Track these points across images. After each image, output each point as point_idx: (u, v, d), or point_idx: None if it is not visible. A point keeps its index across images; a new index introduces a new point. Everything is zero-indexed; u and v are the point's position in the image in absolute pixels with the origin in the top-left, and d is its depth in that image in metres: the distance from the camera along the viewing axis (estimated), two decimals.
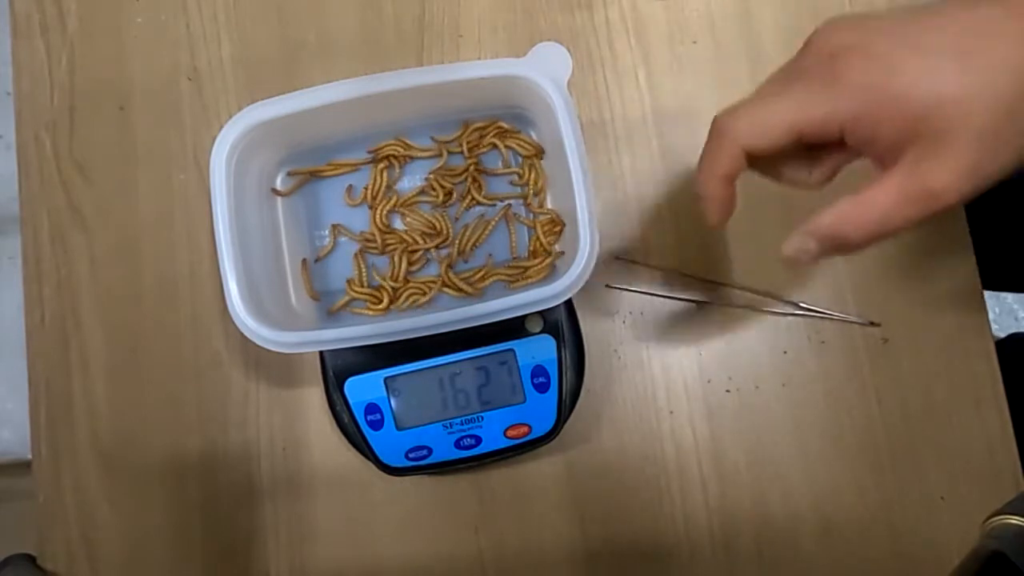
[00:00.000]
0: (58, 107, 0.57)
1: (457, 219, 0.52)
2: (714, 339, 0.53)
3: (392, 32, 0.57)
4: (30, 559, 0.53)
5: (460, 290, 0.50)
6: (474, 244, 0.52)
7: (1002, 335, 0.75)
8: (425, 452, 0.50)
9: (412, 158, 0.53)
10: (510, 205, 0.52)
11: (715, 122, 0.36)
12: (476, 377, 0.50)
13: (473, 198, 0.52)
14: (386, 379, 0.50)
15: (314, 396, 0.53)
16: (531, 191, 0.52)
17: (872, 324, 0.53)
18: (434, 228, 0.52)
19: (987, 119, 0.29)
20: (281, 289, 0.51)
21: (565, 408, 0.50)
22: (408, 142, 0.52)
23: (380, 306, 0.50)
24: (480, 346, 0.50)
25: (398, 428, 0.50)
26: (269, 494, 0.53)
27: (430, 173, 0.52)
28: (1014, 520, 0.33)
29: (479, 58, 0.56)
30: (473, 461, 0.50)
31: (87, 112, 0.57)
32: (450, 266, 0.51)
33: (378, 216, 0.52)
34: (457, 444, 0.50)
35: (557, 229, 0.51)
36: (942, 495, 0.52)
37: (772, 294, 0.53)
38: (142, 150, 0.56)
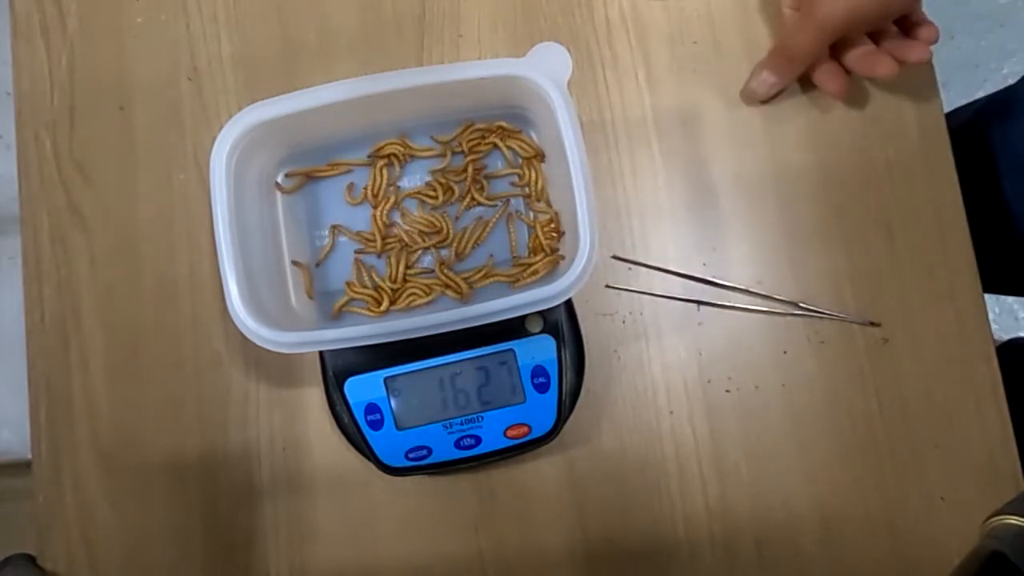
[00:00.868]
0: (58, 107, 0.57)
1: (457, 218, 0.52)
2: (714, 339, 0.53)
3: (392, 32, 0.57)
4: (30, 559, 0.53)
5: (458, 287, 0.50)
6: (474, 243, 0.52)
7: (1002, 335, 0.75)
8: (425, 452, 0.50)
9: (413, 157, 0.53)
10: (509, 202, 0.52)
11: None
12: (476, 377, 0.50)
13: (474, 198, 0.52)
14: (386, 379, 0.50)
15: (314, 396, 0.53)
16: (531, 191, 0.52)
17: (872, 324, 0.53)
18: (434, 227, 0.52)
19: None
20: (281, 289, 0.51)
21: (565, 408, 0.50)
22: (409, 142, 0.52)
23: (380, 308, 0.50)
24: (480, 346, 0.50)
25: (398, 428, 0.50)
26: (269, 494, 0.53)
27: (431, 172, 0.52)
28: (1014, 520, 0.33)
29: (479, 58, 0.56)
30: (473, 461, 0.50)
31: (87, 112, 0.57)
32: (449, 265, 0.51)
33: (380, 214, 0.52)
34: (457, 444, 0.50)
35: (556, 233, 0.51)
36: (942, 495, 0.52)
37: (772, 294, 0.53)
38: (142, 150, 0.56)
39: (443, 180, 0.52)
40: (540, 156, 0.52)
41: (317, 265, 0.52)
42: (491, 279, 0.51)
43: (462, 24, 0.57)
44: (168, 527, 0.53)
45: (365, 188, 0.52)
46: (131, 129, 0.57)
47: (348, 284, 0.52)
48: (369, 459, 0.50)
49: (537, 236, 0.51)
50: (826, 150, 0.55)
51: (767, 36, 0.56)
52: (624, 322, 0.54)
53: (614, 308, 0.54)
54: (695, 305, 0.54)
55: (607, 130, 0.55)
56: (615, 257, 0.54)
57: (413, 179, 0.53)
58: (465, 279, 0.51)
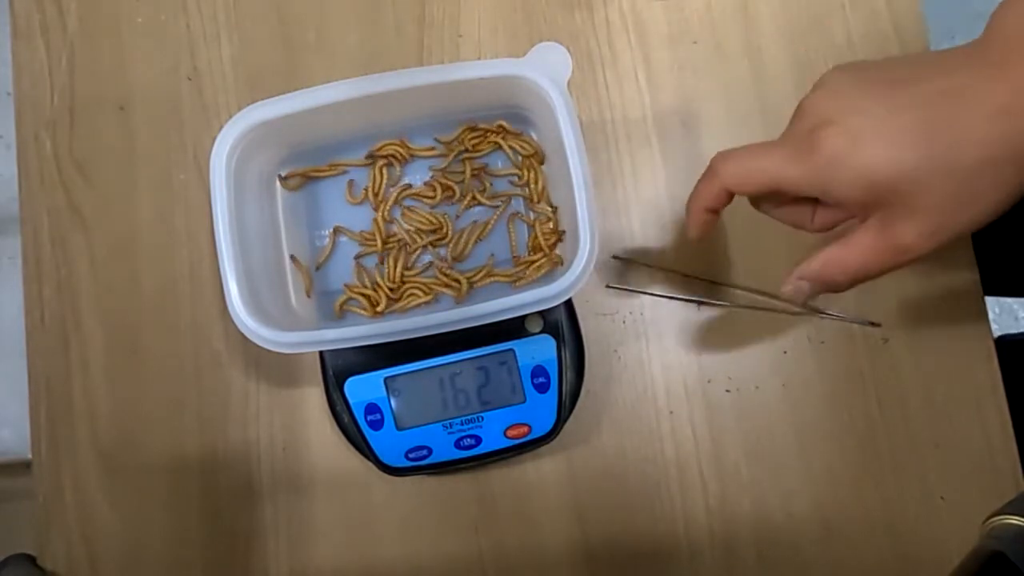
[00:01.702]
0: (58, 107, 0.57)
1: (458, 217, 0.52)
2: (714, 339, 0.53)
3: (392, 32, 0.57)
4: (30, 559, 0.53)
5: (458, 284, 0.50)
6: (475, 241, 0.52)
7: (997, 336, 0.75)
8: (425, 452, 0.50)
9: (413, 157, 0.52)
10: (511, 200, 0.52)
11: (712, 160, 0.40)
12: (476, 377, 0.50)
13: (474, 197, 0.52)
14: (386, 379, 0.50)
15: (314, 396, 0.53)
16: (531, 192, 0.52)
17: (872, 324, 0.53)
18: (433, 225, 0.52)
19: (945, 189, 0.33)
20: (281, 289, 0.51)
21: (565, 408, 0.50)
22: (408, 143, 0.52)
23: (378, 308, 0.50)
24: (480, 346, 0.50)
25: (398, 428, 0.50)
26: (269, 494, 0.53)
27: (431, 170, 0.52)
28: (1014, 520, 0.33)
29: (479, 58, 0.56)
30: (473, 461, 0.50)
31: (87, 112, 0.57)
32: (449, 265, 0.51)
33: (381, 215, 0.52)
34: (457, 444, 0.50)
35: (555, 235, 0.51)
36: (942, 495, 0.52)
37: (772, 294, 0.53)
38: (142, 150, 0.56)
39: (443, 180, 0.52)
40: (540, 156, 0.52)
41: (317, 268, 0.52)
42: (491, 279, 0.51)
43: (462, 24, 0.57)
44: (168, 527, 0.53)
45: (365, 189, 0.52)
46: (131, 129, 0.57)
47: (347, 286, 0.52)
48: (369, 459, 0.50)
49: (537, 236, 0.51)
50: None
51: (767, 36, 0.55)
52: (624, 322, 0.54)
53: (614, 308, 0.54)
54: (695, 305, 0.54)
55: (607, 130, 0.55)
56: (615, 257, 0.54)
57: (413, 179, 0.53)
58: (466, 279, 0.51)
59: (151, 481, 0.54)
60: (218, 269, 0.45)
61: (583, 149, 0.45)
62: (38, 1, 0.58)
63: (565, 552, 0.52)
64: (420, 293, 0.51)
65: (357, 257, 0.52)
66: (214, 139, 0.46)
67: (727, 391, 0.53)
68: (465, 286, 0.50)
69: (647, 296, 0.54)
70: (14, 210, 0.56)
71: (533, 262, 0.51)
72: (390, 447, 0.50)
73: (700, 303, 0.54)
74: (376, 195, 0.52)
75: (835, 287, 0.39)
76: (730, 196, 0.40)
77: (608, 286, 0.54)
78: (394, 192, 0.52)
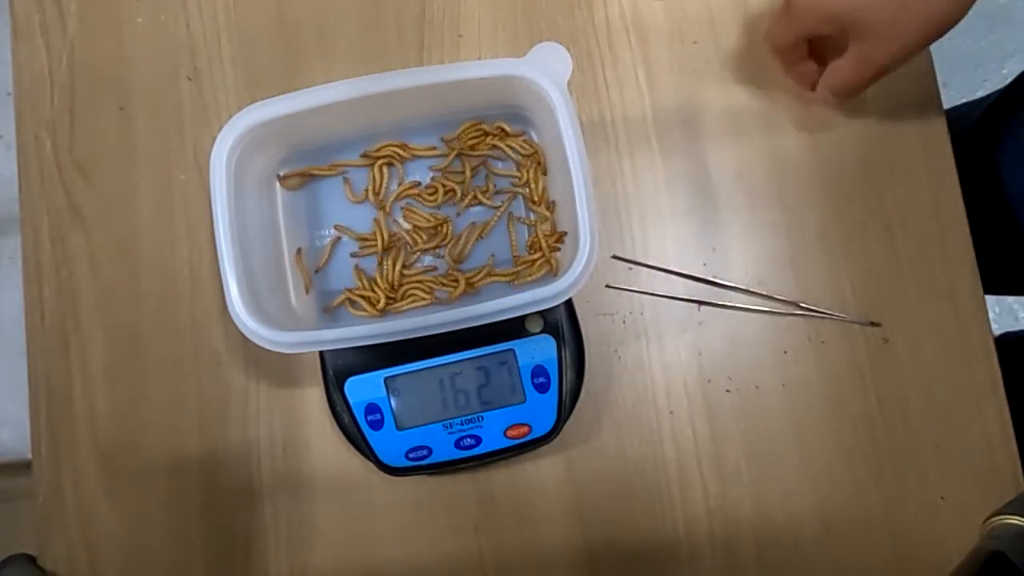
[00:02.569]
0: (58, 107, 0.57)
1: (459, 215, 0.52)
2: (714, 339, 0.53)
3: (392, 32, 0.57)
4: (30, 559, 0.53)
5: (455, 283, 0.50)
6: (475, 240, 0.52)
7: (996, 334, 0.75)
8: (425, 452, 0.50)
9: (415, 157, 0.52)
10: (515, 196, 0.52)
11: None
12: (476, 377, 0.50)
13: (475, 197, 0.52)
14: (386, 379, 0.50)
15: (314, 396, 0.53)
16: (531, 192, 0.52)
17: (872, 324, 0.53)
18: (433, 223, 0.52)
19: (886, 14, 0.45)
20: (281, 289, 0.51)
21: (565, 408, 0.50)
22: (406, 144, 0.52)
23: (378, 306, 0.50)
24: (480, 346, 0.50)
25: (398, 428, 0.50)
26: (269, 494, 0.53)
27: (431, 169, 0.52)
28: (1014, 520, 0.33)
29: (479, 58, 0.56)
30: (473, 461, 0.50)
31: (87, 112, 0.57)
32: (452, 265, 0.51)
33: (382, 216, 0.52)
34: (457, 444, 0.50)
35: (555, 236, 0.51)
36: (942, 495, 0.52)
37: (772, 294, 0.53)
38: (142, 150, 0.56)
39: (445, 180, 0.52)
40: (540, 156, 0.52)
41: (317, 270, 0.52)
42: (491, 279, 0.51)
43: (462, 24, 0.57)
44: (168, 527, 0.53)
45: (366, 190, 0.52)
46: (131, 129, 0.57)
47: (346, 290, 0.52)
48: (369, 459, 0.50)
49: (537, 236, 0.51)
50: (826, 150, 0.55)
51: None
52: (624, 322, 0.54)
53: (614, 308, 0.54)
54: (695, 305, 0.54)
55: (607, 130, 0.55)
56: (615, 257, 0.54)
57: (414, 179, 0.53)
58: (464, 279, 0.51)
59: (151, 481, 0.54)
60: (218, 269, 0.45)
61: (583, 149, 0.45)
62: (38, 1, 0.58)
63: (565, 552, 0.52)
64: (421, 294, 0.51)
65: (354, 255, 0.52)
66: (214, 139, 0.46)
67: (727, 391, 0.53)
68: (461, 286, 0.50)
69: (647, 296, 0.54)
70: (14, 210, 0.56)
71: (533, 262, 0.51)
72: (390, 447, 0.50)
73: (700, 303, 0.54)
74: (377, 194, 0.52)
75: (839, 91, 0.50)
76: (798, 36, 0.50)
77: (608, 286, 0.54)
78: (397, 190, 0.52)
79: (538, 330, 0.50)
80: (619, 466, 0.53)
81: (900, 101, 0.55)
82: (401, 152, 0.52)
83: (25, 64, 0.57)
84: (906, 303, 0.53)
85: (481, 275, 0.51)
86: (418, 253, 0.52)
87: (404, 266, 0.51)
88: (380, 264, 0.52)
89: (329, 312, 0.52)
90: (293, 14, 0.57)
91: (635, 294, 0.54)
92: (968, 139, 0.63)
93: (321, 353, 0.51)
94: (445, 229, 0.52)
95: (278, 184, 0.52)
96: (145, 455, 0.54)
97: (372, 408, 0.50)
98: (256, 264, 0.48)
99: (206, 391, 0.54)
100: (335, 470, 0.53)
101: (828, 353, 0.53)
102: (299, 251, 0.52)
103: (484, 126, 0.52)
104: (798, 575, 0.52)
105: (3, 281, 1.35)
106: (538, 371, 0.50)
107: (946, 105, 0.56)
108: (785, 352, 0.53)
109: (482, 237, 0.52)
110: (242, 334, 0.45)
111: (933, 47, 0.51)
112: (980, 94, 0.73)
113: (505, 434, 0.50)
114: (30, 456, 0.54)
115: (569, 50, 0.49)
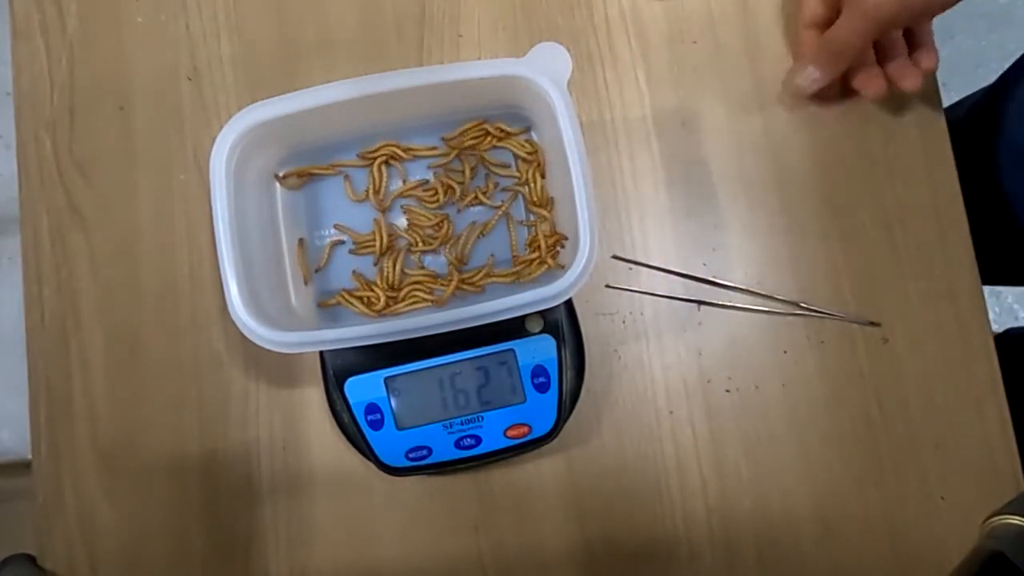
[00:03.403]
0: (58, 107, 0.57)
1: (460, 212, 0.52)
2: (714, 339, 0.53)
3: (392, 32, 0.57)
4: (30, 559, 0.53)
5: (450, 283, 0.50)
6: (476, 238, 0.52)
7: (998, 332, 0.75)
8: (425, 452, 0.50)
9: (416, 157, 0.52)
10: (515, 196, 0.52)
11: None
12: (476, 377, 0.50)
13: (476, 197, 0.52)
14: (386, 379, 0.50)
15: (314, 396, 0.53)
16: (530, 192, 0.52)
17: (872, 324, 0.53)
18: (434, 221, 0.52)
19: None
20: (281, 289, 0.51)
21: (565, 408, 0.50)
22: (401, 145, 0.52)
23: (376, 307, 0.50)
24: (480, 346, 0.50)
25: (398, 428, 0.50)
26: (269, 494, 0.53)
27: (431, 167, 0.52)
28: (1014, 520, 0.33)
29: (479, 58, 0.56)
30: (473, 461, 0.50)
31: (87, 112, 0.57)
32: (456, 266, 0.51)
33: (383, 217, 0.52)
34: (457, 444, 0.50)
35: (555, 237, 0.51)
36: (942, 495, 0.52)
37: (772, 294, 0.53)
38: (142, 150, 0.56)
39: (446, 179, 0.52)
40: (540, 156, 0.52)
41: (317, 270, 0.52)
42: (491, 279, 0.51)
43: (462, 24, 0.57)
44: (168, 527, 0.53)
45: (366, 190, 0.52)
46: (131, 129, 0.57)
47: (345, 291, 0.52)
48: (369, 459, 0.50)
49: (537, 237, 0.51)
50: (826, 150, 0.55)
51: (767, 36, 0.56)
52: (624, 322, 0.54)
53: (614, 308, 0.54)
54: (695, 305, 0.54)
55: (607, 130, 0.55)
56: (615, 257, 0.54)
57: (419, 178, 0.53)
58: (465, 279, 0.51)
59: (151, 481, 0.54)
60: (218, 269, 0.45)
61: (583, 149, 0.45)
62: (38, 1, 0.58)
63: (565, 552, 0.52)
64: (421, 295, 0.51)
65: (352, 252, 0.52)
66: (214, 139, 0.46)
67: (727, 391, 0.53)
68: (453, 284, 0.50)
69: (647, 296, 0.54)
70: (14, 210, 0.56)
71: (532, 261, 0.51)
72: (390, 447, 0.50)
73: (700, 303, 0.54)
74: (377, 193, 0.52)
75: (832, 66, 0.51)
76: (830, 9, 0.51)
77: (608, 286, 0.54)
78: (400, 188, 0.52)
79: (538, 330, 0.50)
80: (619, 466, 0.53)
81: (900, 101, 0.55)
82: (399, 151, 0.52)
83: (25, 64, 0.57)
84: (906, 303, 0.53)
85: (480, 275, 0.51)
86: (419, 254, 0.52)
87: (403, 269, 0.51)
88: (379, 264, 0.52)
89: (324, 308, 0.52)
90: (293, 14, 0.57)
91: (635, 294, 0.54)
92: (965, 129, 0.64)
93: (321, 353, 0.51)
94: (446, 227, 0.52)
95: (278, 184, 0.52)
96: (145, 455, 0.54)
97: (372, 408, 0.50)
98: (256, 264, 0.48)
99: (206, 391, 0.54)
100: (335, 470, 0.53)
101: (828, 353, 0.53)
102: (301, 241, 0.52)
103: (487, 126, 0.52)
104: (798, 575, 0.52)
105: (3, 281, 1.35)
106: (538, 371, 0.50)
107: (946, 105, 0.56)
108: (785, 352, 0.53)
109: (483, 235, 0.52)
110: (242, 334, 0.45)
111: None
112: None
113: (505, 434, 0.50)
114: (30, 456, 0.54)
115: (569, 50, 0.49)
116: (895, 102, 0.55)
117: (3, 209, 1.36)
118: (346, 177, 0.53)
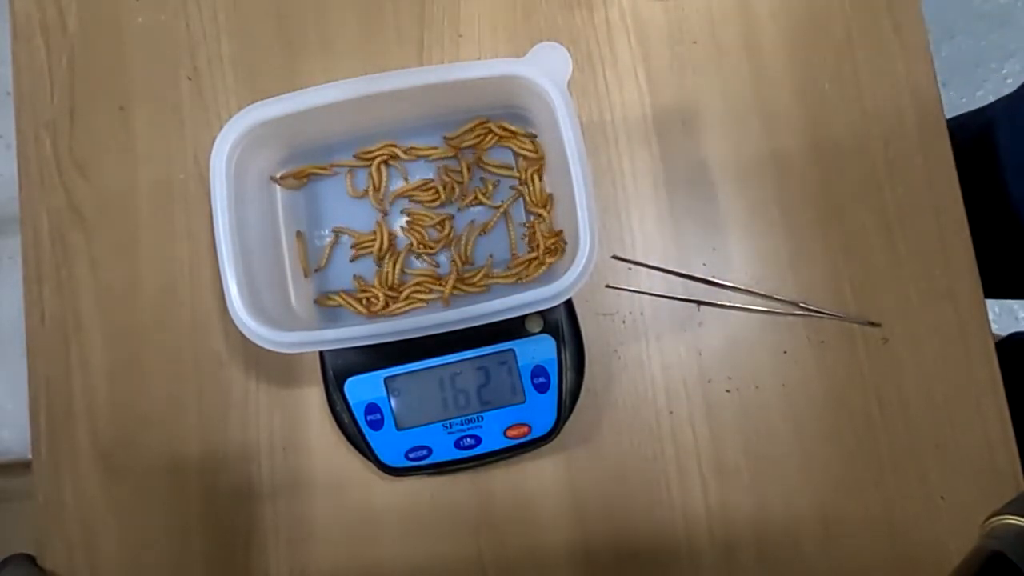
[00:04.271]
0: (58, 107, 0.57)
1: (460, 211, 0.52)
2: (714, 339, 0.53)
3: (392, 32, 0.57)
4: (30, 559, 0.53)
5: (462, 290, 0.50)
6: (478, 235, 0.52)
7: (1002, 336, 0.75)
8: (425, 452, 0.50)
9: (417, 157, 0.52)
10: (516, 196, 0.52)
11: None
12: (476, 377, 0.50)
13: (476, 197, 0.52)
14: (386, 379, 0.50)
15: (314, 396, 0.53)
16: (530, 192, 0.52)
17: (872, 324, 0.53)
18: (440, 221, 0.52)
19: None
20: (281, 289, 0.51)
21: (565, 408, 0.50)
22: (398, 145, 0.52)
23: (375, 308, 0.50)
24: (480, 346, 0.50)
25: (398, 428, 0.50)
26: (269, 494, 0.53)
27: (435, 161, 0.52)
28: (1014, 520, 0.33)
29: (479, 58, 0.56)
30: (473, 461, 0.50)
31: (87, 112, 0.57)
32: (458, 266, 0.51)
33: (384, 218, 0.52)
34: (457, 444, 0.50)
35: (555, 237, 0.51)
36: (942, 495, 0.52)
37: (772, 294, 0.53)
38: (142, 150, 0.56)
39: (446, 178, 0.52)
40: (540, 156, 0.52)
41: (317, 270, 0.52)
42: (490, 280, 0.51)
43: (462, 24, 0.57)
44: (168, 527, 0.53)
45: (366, 190, 0.52)
46: (131, 129, 0.57)
47: (344, 293, 0.52)
48: (369, 459, 0.50)
49: (537, 237, 0.51)
50: (826, 150, 0.55)
51: (767, 36, 0.56)
52: (624, 322, 0.54)
53: (614, 308, 0.54)
54: (695, 305, 0.54)
55: (607, 130, 0.55)
56: (615, 257, 0.54)
57: (414, 179, 0.53)
58: (464, 279, 0.51)
59: (151, 481, 0.54)
60: (218, 269, 0.45)
61: (583, 149, 0.45)
62: (38, 1, 0.58)
63: (565, 552, 0.52)
64: (421, 296, 0.51)
65: (354, 247, 0.52)
66: (214, 139, 0.46)
67: (727, 391, 0.53)
68: (450, 284, 0.50)
69: (647, 296, 0.54)
70: (14, 210, 0.56)
71: (532, 261, 0.51)
72: (390, 447, 0.50)
73: (700, 303, 0.54)
74: (377, 192, 0.52)
75: None
76: None
77: (608, 286, 0.54)
78: (401, 187, 0.52)
79: (538, 330, 0.50)
80: (619, 466, 0.53)
81: (900, 101, 0.55)
82: (398, 151, 0.52)
83: (25, 64, 0.57)
84: (906, 303, 0.53)
85: (480, 275, 0.51)
86: (422, 255, 0.52)
87: (403, 269, 0.51)
88: (379, 265, 0.52)
89: (324, 309, 0.52)
90: (293, 14, 0.57)
91: (635, 294, 0.54)
92: (972, 142, 0.63)
93: (321, 353, 0.51)
94: (448, 228, 0.52)
95: (277, 184, 0.52)
96: (145, 455, 0.54)
97: (372, 408, 0.50)
98: (256, 264, 0.48)
99: (206, 391, 0.54)
100: (335, 470, 0.53)
101: (828, 353, 0.53)
102: (299, 234, 0.51)
103: (490, 124, 0.52)
104: (798, 574, 0.52)
105: (3, 281, 1.35)
106: (538, 371, 0.50)
107: (946, 105, 0.56)
108: (785, 352, 0.53)
109: (484, 234, 0.52)
110: (242, 334, 0.45)
111: (932, 47, 0.51)
112: (980, 94, 0.73)
113: (505, 434, 0.50)
114: (30, 456, 0.54)
115: (569, 50, 0.49)
116: (895, 102, 0.55)
117: (3, 209, 1.36)
118: (348, 171, 0.53)
